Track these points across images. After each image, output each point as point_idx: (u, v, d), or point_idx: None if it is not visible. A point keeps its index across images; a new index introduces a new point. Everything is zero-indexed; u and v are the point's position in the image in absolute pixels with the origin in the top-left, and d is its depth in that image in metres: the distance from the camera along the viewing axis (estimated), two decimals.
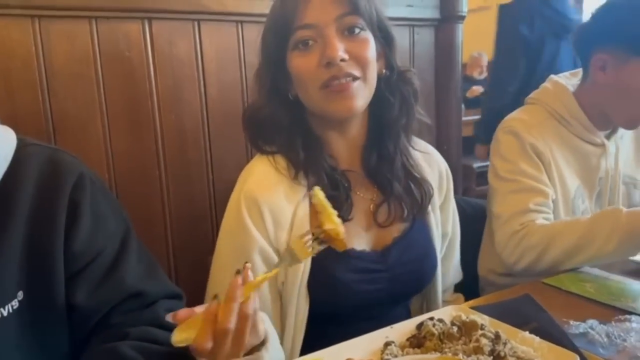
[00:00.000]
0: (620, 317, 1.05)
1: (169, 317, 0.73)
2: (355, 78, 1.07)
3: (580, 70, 1.53)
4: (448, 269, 1.35)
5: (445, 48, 1.86)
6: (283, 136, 1.13)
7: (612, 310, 1.10)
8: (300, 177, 1.11)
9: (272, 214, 1.08)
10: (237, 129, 1.54)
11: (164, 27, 1.39)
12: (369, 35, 1.10)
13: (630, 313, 1.08)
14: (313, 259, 1.06)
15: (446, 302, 1.32)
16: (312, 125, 1.16)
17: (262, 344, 0.82)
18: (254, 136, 1.18)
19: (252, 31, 1.51)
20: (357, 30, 1.08)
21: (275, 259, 1.08)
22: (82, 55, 1.31)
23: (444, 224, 1.30)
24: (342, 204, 1.11)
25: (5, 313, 0.81)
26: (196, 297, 1.13)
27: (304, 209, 1.10)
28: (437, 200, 1.27)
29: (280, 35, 1.09)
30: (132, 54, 1.36)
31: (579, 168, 1.50)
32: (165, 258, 1.47)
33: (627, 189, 1.57)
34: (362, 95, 1.10)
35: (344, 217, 1.10)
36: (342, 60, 1.05)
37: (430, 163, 1.29)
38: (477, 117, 4.06)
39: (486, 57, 5.65)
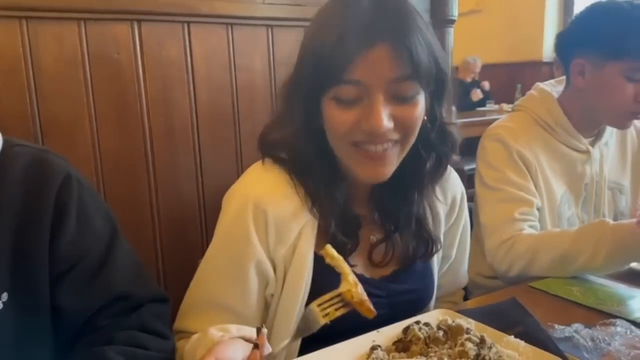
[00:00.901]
0: (605, 321, 1.07)
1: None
2: (394, 142, 0.99)
3: (564, 78, 1.55)
4: (452, 280, 1.33)
5: None
6: (305, 165, 1.05)
7: (597, 314, 1.11)
8: (314, 211, 1.05)
9: (276, 228, 1.03)
10: (227, 132, 1.55)
11: (154, 29, 1.39)
12: (420, 98, 0.98)
13: (616, 317, 1.09)
14: (313, 280, 1.05)
15: (449, 302, 1.33)
16: (335, 161, 1.07)
17: None
18: (264, 147, 1.10)
19: (242, 34, 1.51)
20: (409, 98, 0.97)
21: (271, 272, 1.04)
22: (71, 57, 1.30)
23: (446, 248, 1.26)
24: (347, 245, 1.06)
25: None
26: None
27: (310, 235, 1.05)
28: (443, 223, 1.23)
29: (321, 78, 0.96)
30: (121, 56, 1.36)
31: (565, 174, 1.51)
32: (153, 261, 1.47)
33: (613, 194, 1.59)
34: (396, 160, 1.02)
35: (346, 256, 1.03)
36: (386, 130, 0.95)
37: (445, 192, 1.22)
38: (471, 119, 4.08)
39: (480, 63, 5.68)
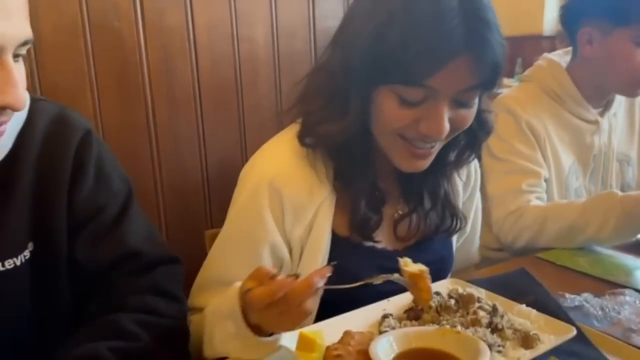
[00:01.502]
0: (614, 290, 1.06)
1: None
2: (440, 141, 0.97)
3: (572, 49, 1.53)
4: (465, 255, 1.32)
5: None
6: (340, 146, 0.99)
7: (606, 284, 1.11)
8: (337, 184, 1.02)
9: (293, 209, 1.00)
10: (229, 103, 1.53)
11: None
12: (476, 103, 0.96)
13: (624, 287, 1.08)
14: (332, 255, 1.03)
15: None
16: (369, 141, 1.01)
17: None
18: (306, 133, 1.02)
19: (244, 3, 1.48)
20: (470, 104, 0.94)
21: (286, 254, 1.03)
22: (71, 26, 1.27)
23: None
24: (372, 222, 1.04)
25: (18, 263, 0.82)
26: (190, 272, 1.11)
27: (328, 213, 1.02)
28: (461, 198, 1.22)
29: (393, 75, 0.89)
30: (122, 24, 1.33)
31: (573, 145, 1.50)
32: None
33: (621, 165, 1.58)
34: (435, 154, 0.99)
35: (369, 235, 1.05)
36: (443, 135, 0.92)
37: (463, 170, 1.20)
38: None
39: None
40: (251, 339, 0.79)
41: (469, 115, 0.95)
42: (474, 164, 1.24)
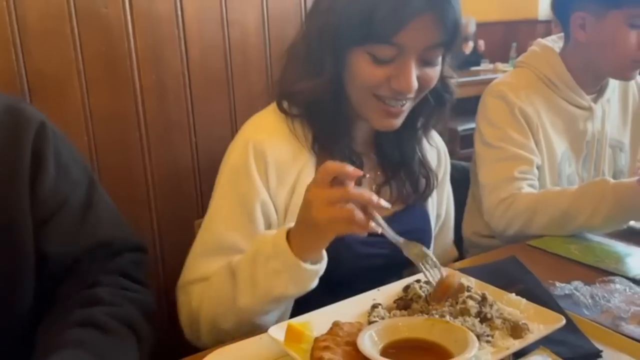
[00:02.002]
0: (604, 278, 1.07)
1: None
2: (410, 100, 1.06)
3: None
4: (443, 248, 1.36)
5: None
6: (317, 108, 1.09)
7: (596, 272, 1.11)
8: (316, 148, 1.10)
9: (277, 170, 1.07)
10: (220, 90, 1.51)
11: None
12: (439, 63, 1.06)
13: (614, 274, 1.09)
14: None
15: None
16: (346, 105, 1.11)
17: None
18: (283, 96, 1.12)
19: None
20: (434, 63, 1.04)
21: (274, 215, 1.08)
22: (57, 11, 1.25)
23: (438, 206, 1.31)
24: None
25: None
26: (182, 260, 1.11)
27: (309, 175, 1.07)
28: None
29: (360, 33, 0.99)
30: (110, 10, 1.31)
31: (567, 131, 1.49)
32: (148, 222, 1.45)
33: (613, 152, 1.58)
34: (407, 112, 1.09)
35: None
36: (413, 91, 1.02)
37: (431, 143, 1.29)
38: (465, 79, 4.03)
39: (474, 23, 5.58)
40: (299, 268, 0.87)
41: (434, 74, 1.05)
42: (443, 148, 1.32)
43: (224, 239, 1.05)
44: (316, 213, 0.81)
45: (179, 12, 1.40)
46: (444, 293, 0.85)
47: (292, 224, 0.89)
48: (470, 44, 5.26)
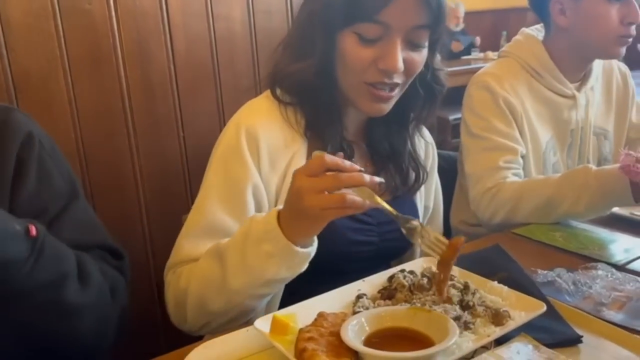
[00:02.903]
0: (587, 265, 1.08)
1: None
2: (397, 86, 1.07)
3: None
4: None
5: None
6: (309, 94, 1.10)
7: (579, 259, 1.13)
8: (308, 134, 1.11)
9: (269, 154, 1.07)
10: (207, 83, 1.51)
11: None
12: (426, 47, 1.07)
13: (597, 261, 1.10)
14: None
15: None
16: (337, 92, 1.12)
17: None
18: (275, 80, 1.13)
19: None
20: (421, 45, 1.05)
21: (265, 199, 1.08)
22: (40, 9, 1.25)
23: (426, 197, 1.32)
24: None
25: None
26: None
27: (301, 160, 1.09)
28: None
29: (348, 13, 1.01)
30: (93, 6, 1.31)
31: (551, 120, 1.51)
32: (138, 218, 1.46)
33: (598, 139, 1.59)
34: (395, 99, 1.10)
35: None
36: (399, 71, 1.03)
37: (420, 136, 1.29)
38: (456, 68, 4.03)
39: (463, 8, 5.57)
40: (291, 251, 0.86)
41: (420, 58, 1.06)
42: (432, 142, 1.33)
43: (214, 220, 1.05)
44: (308, 202, 0.81)
45: (164, 7, 1.40)
46: (454, 254, 0.82)
47: (282, 206, 0.89)
48: (459, 43, 5.24)
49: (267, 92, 1.15)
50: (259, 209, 1.08)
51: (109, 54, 1.34)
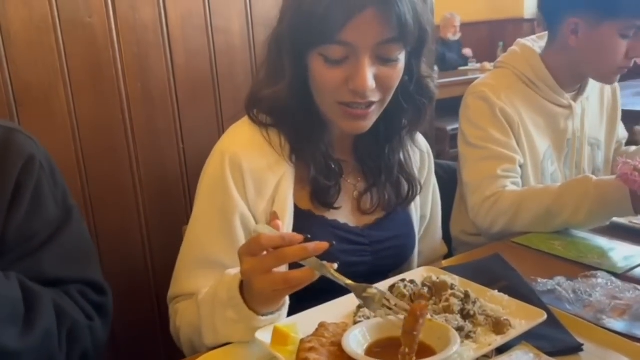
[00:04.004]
0: (586, 273, 1.08)
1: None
2: (374, 103, 1.04)
3: (547, 34, 1.53)
4: (431, 246, 1.37)
5: None
6: (288, 117, 1.09)
7: (579, 267, 1.13)
8: (293, 158, 1.09)
9: (254, 182, 1.06)
10: (206, 96, 1.52)
11: None
12: (401, 57, 1.03)
13: (596, 269, 1.10)
14: (295, 228, 1.07)
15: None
16: (316, 112, 1.10)
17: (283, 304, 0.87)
18: (251, 105, 1.12)
19: None
20: (392, 60, 1.01)
21: (254, 225, 1.06)
22: (41, 23, 1.26)
23: (422, 207, 1.31)
24: (331, 191, 1.11)
25: None
26: (172, 266, 1.12)
27: (288, 187, 1.08)
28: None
29: (311, 36, 0.99)
30: (94, 19, 1.32)
31: (548, 130, 1.52)
32: (137, 228, 1.46)
33: (592, 149, 1.60)
34: (375, 116, 1.07)
35: (330, 204, 1.11)
36: (370, 90, 1.00)
37: (414, 145, 1.27)
38: (453, 79, 4.06)
39: (459, 18, 5.63)
40: (253, 320, 0.83)
41: (394, 73, 1.03)
42: (426, 144, 1.31)
43: (205, 253, 1.05)
44: (257, 285, 0.79)
45: (163, 20, 1.41)
46: (415, 322, 0.73)
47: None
48: (453, 55, 5.27)
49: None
50: (249, 236, 1.04)
51: (109, 67, 1.35)
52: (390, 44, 0.99)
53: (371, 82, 0.99)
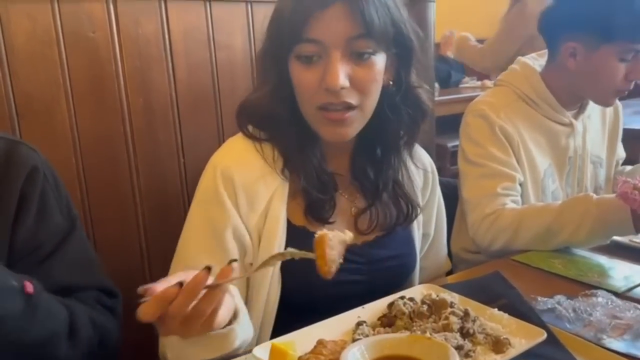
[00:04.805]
0: (587, 292, 1.08)
1: (140, 290, 0.71)
2: (351, 107, 1.03)
3: (546, 51, 1.54)
4: (436, 262, 1.36)
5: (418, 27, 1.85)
6: (279, 129, 1.10)
7: (579, 286, 1.13)
8: (286, 172, 1.10)
9: (246, 194, 1.06)
10: (207, 111, 1.52)
11: (129, 6, 1.35)
12: (378, 58, 1.04)
13: (597, 288, 1.10)
14: (288, 244, 1.06)
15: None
16: (306, 125, 1.11)
17: (234, 317, 0.83)
18: (243, 119, 1.13)
19: (221, 10, 1.48)
20: (365, 56, 1.01)
21: (248, 239, 1.07)
22: (45, 36, 1.26)
23: (425, 225, 1.30)
24: (325, 205, 1.10)
25: None
26: None
27: (281, 201, 1.08)
28: (420, 202, 1.25)
29: (284, 38, 1.03)
30: (97, 34, 1.32)
31: (549, 148, 1.52)
32: (137, 242, 1.45)
33: (594, 167, 1.60)
34: (357, 123, 1.07)
35: (325, 219, 1.10)
36: (342, 88, 1.00)
37: (417, 164, 1.26)
38: (453, 96, 4.07)
39: (457, 35, 5.62)
40: (204, 339, 0.79)
41: (368, 74, 1.03)
42: (429, 161, 1.31)
43: (195, 265, 1.03)
44: (175, 332, 0.75)
45: (166, 35, 1.41)
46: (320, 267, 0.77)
47: None
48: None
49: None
50: (242, 250, 1.07)
51: (111, 80, 1.35)
52: (360, 39, 1.00)
53: (343, 79, 0.99)
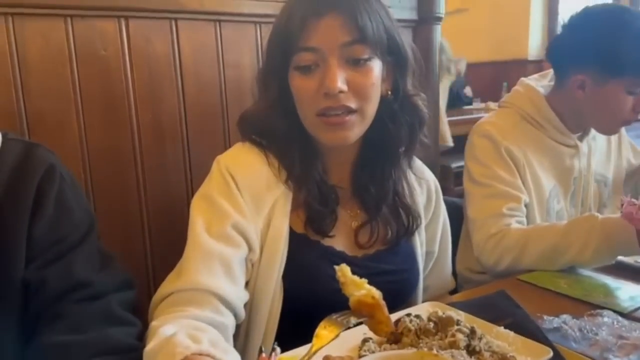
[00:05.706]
0: (592, 312, 1.08)
1: None
2: (351, 111, 1.05)
3: (550, 72, 1.56)
4: (441, 280, 1.36)
5: (422, 50, 1.87)
6: (280, 143, 1.13)
7: (585, 306, 1.13)
8: (289, 182, 1.12)
9: (251, 199, 1.08)
10: (216, 128, 1.54)
11: (141, 25, 1.38)
12: (374, 64, 1.07)
13: (602, 308, 1.10)
14: (290, 251, 1.08)
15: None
16: (309, 136, 1.13)
17: None
18: (247, 130, 1.17)
19: (230, 30, 1.51)
20: (361, 62, 1.05)
21: (251, 232, 1.06)
22: (57, 54, 1.29)
23: (429, 243, 1.30)
24: (327, 219, 1.12)
25: None
26: None
27: (284, 209, 1.09)
28: (423, 220, 1.26)
29: (283, 51, 1.07)
30: (109, 52, 1.35)
31: (554, 169, 1.53)
32: (143, 259, 1.46)
33: (599, 186, 1.61)
34: (357, 127, 1.08)
35: (325, 232, 1.11)
36: (341, 91, 1.03)
37: (420, 182, 1.28)
38: (457, 117, 4.10)
39: (465, 62, 5.70)
40: None
41: (365, 78, 1.05)
42: (433, 178, 1.31)
43: (204, 245, 1.04)
44: None
45: (176, 54, 1.44)
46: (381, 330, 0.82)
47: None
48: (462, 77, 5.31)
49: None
50: (244, 242, 1.05)
51: (122, 98, 1.38)
52: (355, 45, 1.03)
53: (341, 83, 1.02)
